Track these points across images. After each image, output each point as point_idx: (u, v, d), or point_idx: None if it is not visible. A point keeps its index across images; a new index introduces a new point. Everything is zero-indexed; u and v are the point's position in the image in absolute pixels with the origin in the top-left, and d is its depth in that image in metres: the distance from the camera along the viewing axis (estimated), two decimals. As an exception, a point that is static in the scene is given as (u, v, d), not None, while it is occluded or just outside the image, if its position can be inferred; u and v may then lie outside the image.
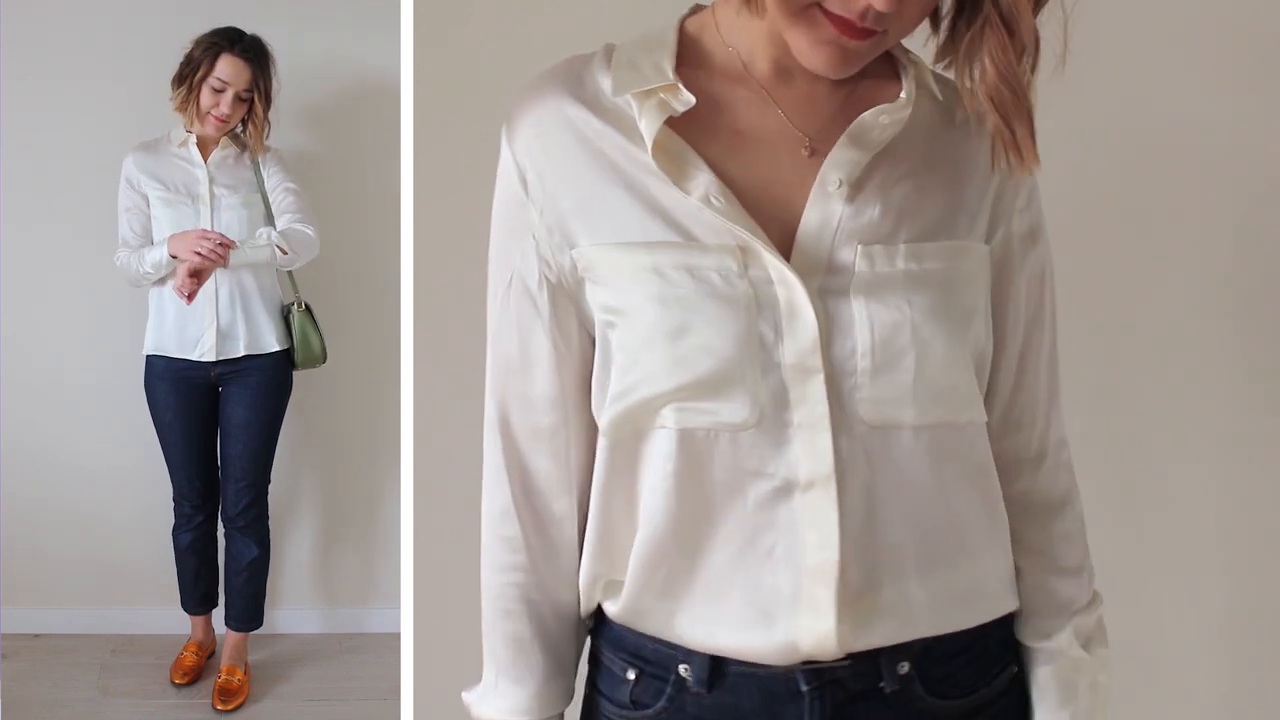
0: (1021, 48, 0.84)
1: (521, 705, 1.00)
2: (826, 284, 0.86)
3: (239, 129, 2.43)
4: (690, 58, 0.92)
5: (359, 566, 2.93)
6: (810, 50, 0.84)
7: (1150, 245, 1.66)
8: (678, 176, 0.87)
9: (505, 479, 0.98)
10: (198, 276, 2.28)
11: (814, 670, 0.88)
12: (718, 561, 0.89)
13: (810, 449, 0.85)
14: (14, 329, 2.72)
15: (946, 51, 0.90)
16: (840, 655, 0.88)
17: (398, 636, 1.75)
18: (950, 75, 0.92)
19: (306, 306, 2.47)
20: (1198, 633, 1.72)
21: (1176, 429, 1.69)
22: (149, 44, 2.53)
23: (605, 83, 0.91)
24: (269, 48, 2.40)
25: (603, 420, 0.92)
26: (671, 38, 0.92)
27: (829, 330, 0.85)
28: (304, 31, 2.60)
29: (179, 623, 2.67)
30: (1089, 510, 1.04)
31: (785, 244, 0.87)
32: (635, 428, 0.89)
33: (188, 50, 2.36)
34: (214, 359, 2.39)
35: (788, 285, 0.85)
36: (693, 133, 0.89)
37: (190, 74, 2.34)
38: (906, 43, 0.91)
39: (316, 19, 2.66)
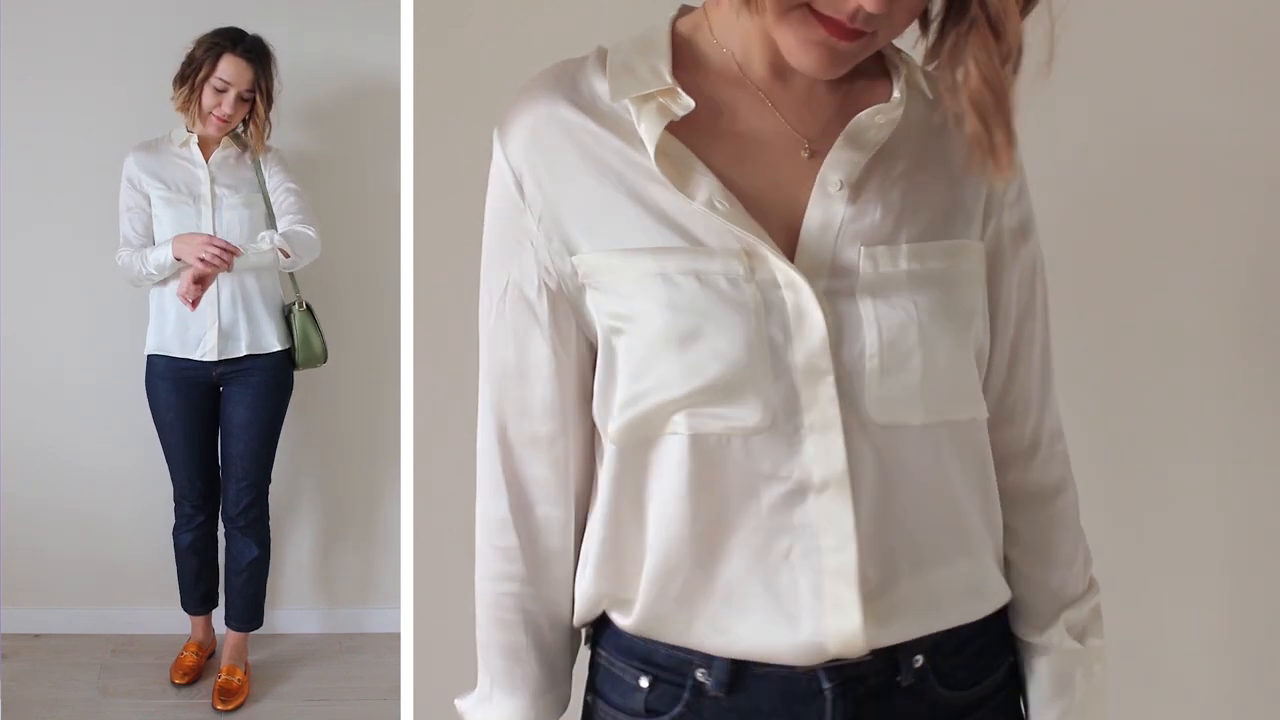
0: (1007, 51, 0.83)
1: (516, 715, 1.00)
2: (832, 286, 0.86)
3: (240, 129, 2.43)
4: (685, 60, 0.91)
5: (359, 566, 2.93)
6: (799, 50, 0.84)
7: (1150, 245, 1.66)
8: (680, 181, 0.86)
9: (503, 489, 0.97)
10: (202, 283, 2.28)
11: (836, 668, 0.88)
12: (735, 566, 0.88)
13: (823, 450, 0.85)
14: (14, 329, 2.71)
15: (935, 54, 0.89)
16: (865, 653, 0.88)
17: (398, 637, 1.74)
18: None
19: (307, 306, 2.48)
20: (1198, 633, 1.72)
21: (1176, 429, 1.69)
22: (149, 44, 2.54)
23: (601, 87, 0.90)
24: (271, 48, 2.40)
25: (611, 427, 0.90)
26: (665, 40, 0.91)
27: (837, 332, 0.85)
28: (304, 31, 2.60)
29: (179, 623, 2.67)
30: (1089, 511, 1.04)
31: (788, 246, 0.87)
32: (645, 434, 0.88)
33: (190, 50, 2.36)
34: (216, 359, 2.40)
35: (795, 288, 0.85)
36: (692, 136, 0.88)
37: (192, 74, 2.34)
38: (896, 44, 0.91)
39: (316, 19, 2.66)
